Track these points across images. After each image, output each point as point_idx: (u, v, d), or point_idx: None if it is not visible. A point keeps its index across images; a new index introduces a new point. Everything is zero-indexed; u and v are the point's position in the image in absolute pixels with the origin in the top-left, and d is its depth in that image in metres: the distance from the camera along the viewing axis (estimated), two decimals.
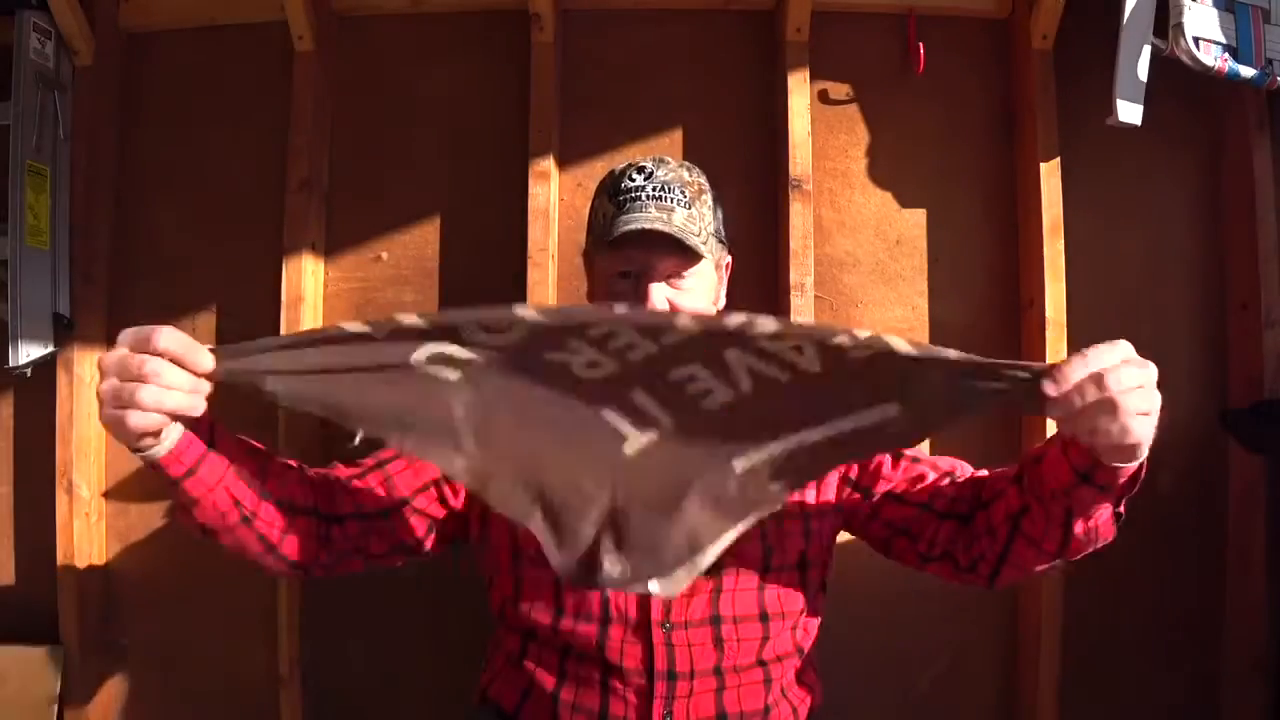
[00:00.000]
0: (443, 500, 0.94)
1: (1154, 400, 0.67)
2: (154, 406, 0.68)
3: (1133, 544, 1.38)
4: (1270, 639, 1.33)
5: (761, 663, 0.91)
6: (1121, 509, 0.78)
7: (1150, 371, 0.67)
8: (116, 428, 0.69)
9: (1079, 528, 0.78)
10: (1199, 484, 1.40)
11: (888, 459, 0.96)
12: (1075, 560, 0.84)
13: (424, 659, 1.40)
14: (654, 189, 0.95)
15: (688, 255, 0.93)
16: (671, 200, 0.94)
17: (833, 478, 0.96)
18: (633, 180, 0.96)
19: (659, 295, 0.93)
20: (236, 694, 1.42)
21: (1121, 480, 0.73)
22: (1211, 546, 1.39)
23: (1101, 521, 0.78)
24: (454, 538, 0.98)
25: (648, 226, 0.91)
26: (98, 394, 0.69)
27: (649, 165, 0.98)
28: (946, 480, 0.92)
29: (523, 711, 0.94)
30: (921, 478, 0.94)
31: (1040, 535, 0.81)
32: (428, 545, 0.95)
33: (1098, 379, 0.66)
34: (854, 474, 0.96)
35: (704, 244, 0.93)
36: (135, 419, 0.68)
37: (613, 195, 0.97)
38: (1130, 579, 1.39)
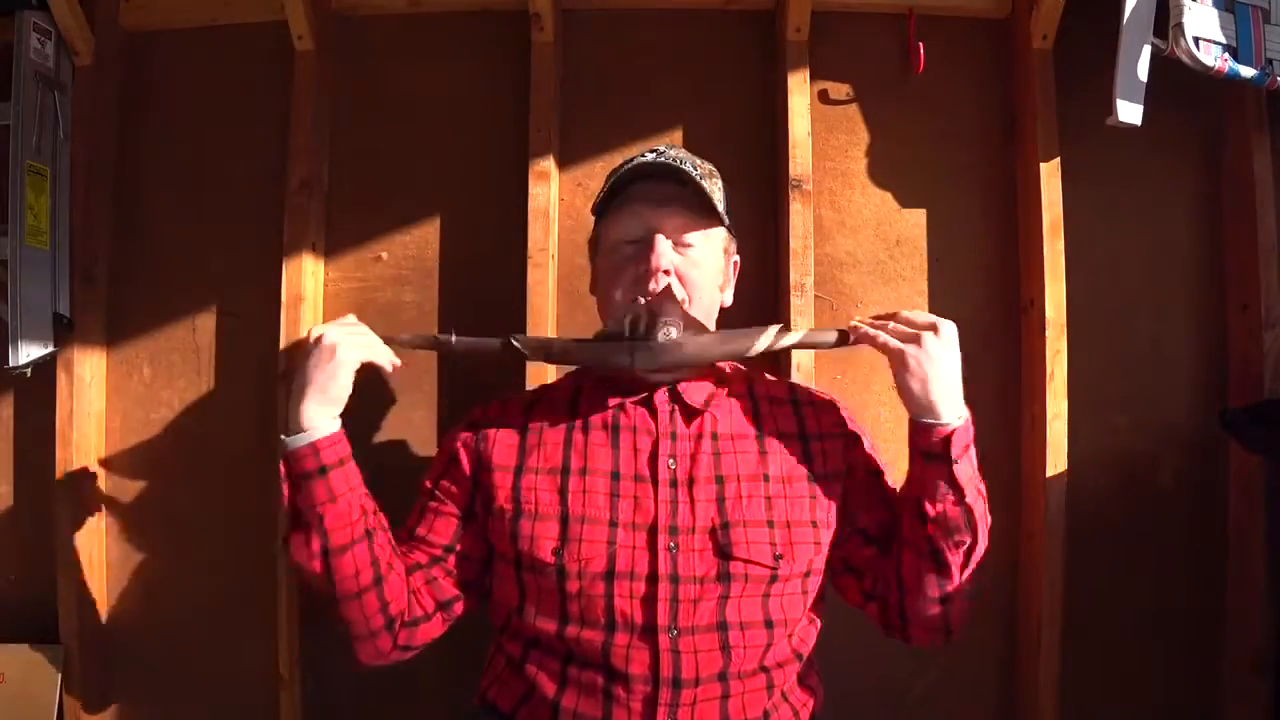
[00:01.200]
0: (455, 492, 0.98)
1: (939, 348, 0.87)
2: (363, 348, 0.92)
3: (1133, 544, 1.39)
4: (1270, 639, 1.33)
5: (764, 669, 0.90)
6: (970, 501, 0.89)
7: (946, 327, 0.88)
8: (339, 350, 0.89)
9: (930, 509, 0.88)
10: (1199, 484, 1.40)
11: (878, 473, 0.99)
12: (967, 586, 0.93)
13: (424, 660, 1.39)
14: (665, 160, 0.94)
15: (699, 215, 0.92)
16: (684, 174, 0.93)
17: (838, 490, 0.96)
18: (644, 157, 0.96)
19: (664, 248, 0.91)
20: (236, 694, 1.42)
21: (936, 440, 0.87)
22: (1211, 546, 1.39)
23: (949, 504, 0.88)
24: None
25: (662, 161, 0.92)
26: (315, 338, 0.89)
27: (664, 146, 0.98)
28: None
29: (518, 717, 0.92)
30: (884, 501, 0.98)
31: (911, 534, 0.89)
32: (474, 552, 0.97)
33: (904, 321, 0.89)
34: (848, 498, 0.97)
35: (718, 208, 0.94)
36: (352, 347, 0.90)
37: (621, 170, 0.97)
38: (1130, 579, 1.39)
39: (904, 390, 0.89)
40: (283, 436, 0.89)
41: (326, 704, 1.40)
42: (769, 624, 0.90)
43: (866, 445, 1.00)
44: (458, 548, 0.96)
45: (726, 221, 0.97)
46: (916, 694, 1.39)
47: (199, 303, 1.44)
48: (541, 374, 1.31)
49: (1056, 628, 1.32)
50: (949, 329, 0.89)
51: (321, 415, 0.89)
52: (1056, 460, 1.32)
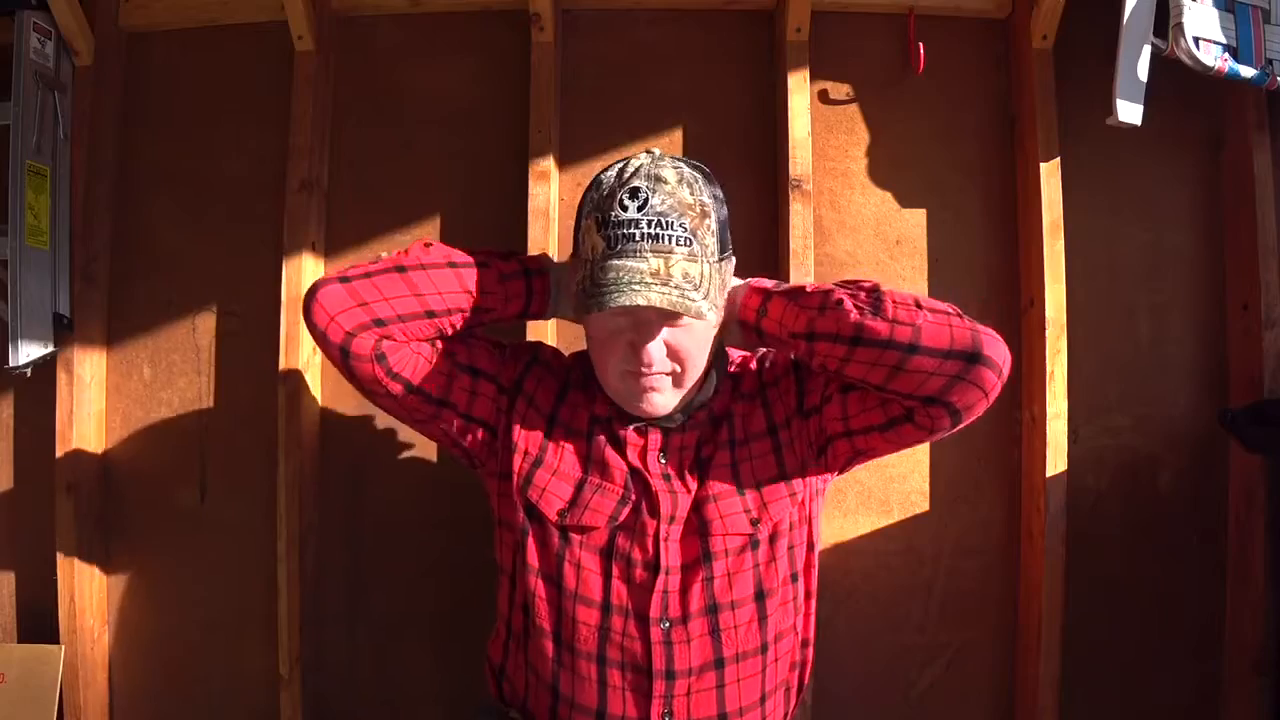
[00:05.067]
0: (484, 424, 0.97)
1: None
2: None
3: (1133, 544, 1.39)
4: (1270, 640, 1.33)
5: (763, 647, 0.91)
6: (812, 291, 0.90)
7: None
8: None
9: (813, 327, 0.88)
10: (1199, 484, 1.40)
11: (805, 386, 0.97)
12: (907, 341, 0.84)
13: (425, 659, 1.40)
14: (649, 224, 0.85)
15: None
16: (670, 239, 0.84)
17: (799, 431, 0.95)
18: (624, 209, 0.86)
19: (658, 353, 0.88)
20: (236, 694, 1.42)
21: (756, 307, 0.93)
22: (1211, 546, 1.39)
23: (811, 314, 0.88)
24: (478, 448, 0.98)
25: (642, 302, 0.82)
26: None
27: (644, 188, 0.86)
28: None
29: (525, 709, 0.94)
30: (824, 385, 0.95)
31: (835, 371, 0.89)
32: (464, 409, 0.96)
33: None
34: (804, 405, 0.96)
35: (705, 297, 0.85)
36: None
37: (601, 225, 0.86)
38: (1130, 579, 1.39)
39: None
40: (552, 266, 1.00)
41: (327, 704, 1.40)
42: (760, 595, 0.91)
43: (806, 381, 0.97)
44: (464, 371, 0.95)
45: (721, 265, 0.91)
46: (917, 693, 1.39)
47: (199, 303, 1.44)
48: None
49: (1056, 628, 1.32)
50: None
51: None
52: (1056, 460, 1.32)
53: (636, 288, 0.82)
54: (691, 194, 0.88)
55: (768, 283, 0.96)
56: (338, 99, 1.45)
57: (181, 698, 1.43)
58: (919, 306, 0.85)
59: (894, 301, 0.85)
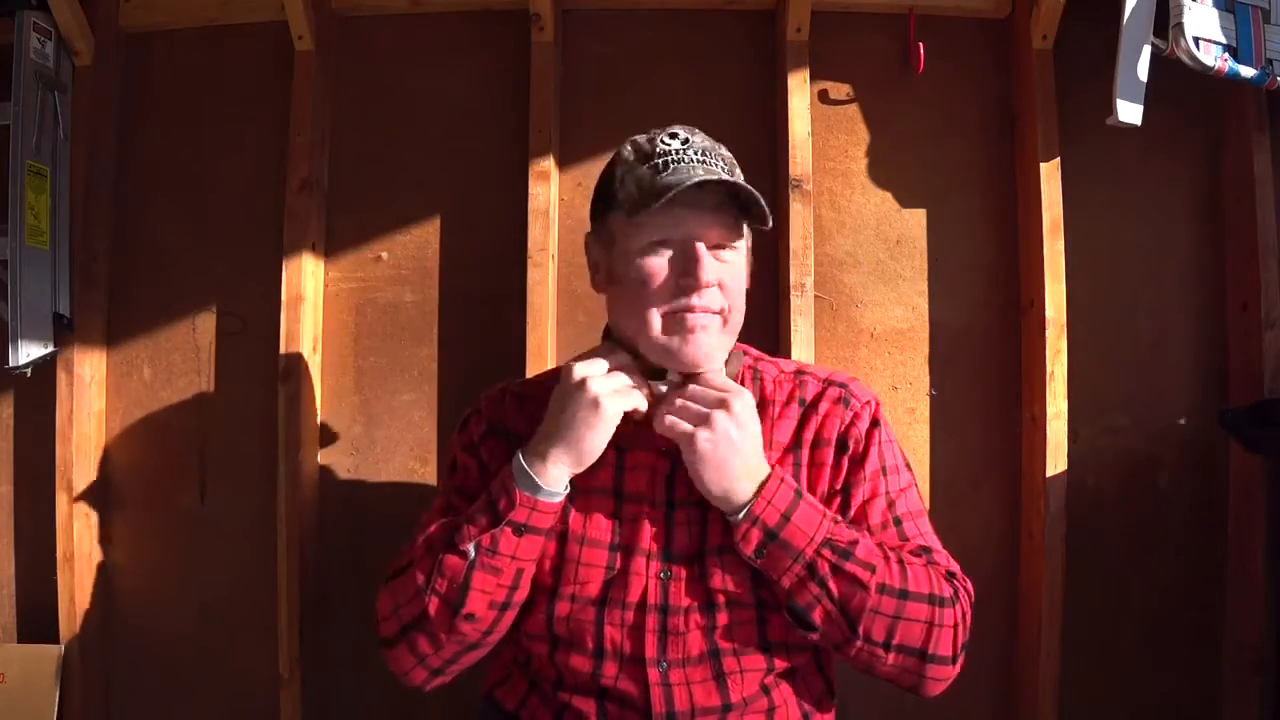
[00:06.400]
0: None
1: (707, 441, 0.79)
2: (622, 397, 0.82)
3: (1133, 543, 1.39)
4: (1270, 639, 1.33)
5: (765, 690, 0.87)
6: (800, 600, 0.80)
7: (738, 400, 0.81)
8: (604, 405, 0.81)
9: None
10: (1199, 484, 1.40)
11: (868, 506, 0.88)
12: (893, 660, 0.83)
13: None
14: (695, 153, 0.84)
15: (735, 223, 0.85)
16: (717, 166, 0.83)
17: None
18: (667, 144, 0.85)
19: (713, 268, 0.82)
20: (236, 694, 1.42)
21: (739, 541, 0.80)
22: (1211, 546, 1.39)
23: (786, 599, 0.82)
24: None
25: (706, 175, 0.80)
26: (579, 381, 0.81)
27: (681, 131, 0.86)
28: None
29: (521, 716, 0.92)
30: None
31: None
32: None
33: (692, 396, 0.82)
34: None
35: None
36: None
37: (645, 160, 0.85)
38: (1130, 579, 1.39)
39: (696, 478, 0.80)
40: (536, 479, 0.81)
41: (326, 704, 1.40)
42: (767, 648, 0.86)
43: (853, 489, 0.88)
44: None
45: (769, 224, 0.87)
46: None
47: (199, 303, 1.44)
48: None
49: (1056, 628, 1.32)
50: (742, 401, 0.81)
51: (566, 476, 0.83)
52: (1056, 460, 1.32)
53: (699, 172, 0.81)
54: (722, 148, 0.89)
55: (779, 509, 0.81)
56: (338, 99, 1.45)
57: (181, 697, 1.43)
58: (887, 649, 0.80)
59: (860, 646, 0.80)
